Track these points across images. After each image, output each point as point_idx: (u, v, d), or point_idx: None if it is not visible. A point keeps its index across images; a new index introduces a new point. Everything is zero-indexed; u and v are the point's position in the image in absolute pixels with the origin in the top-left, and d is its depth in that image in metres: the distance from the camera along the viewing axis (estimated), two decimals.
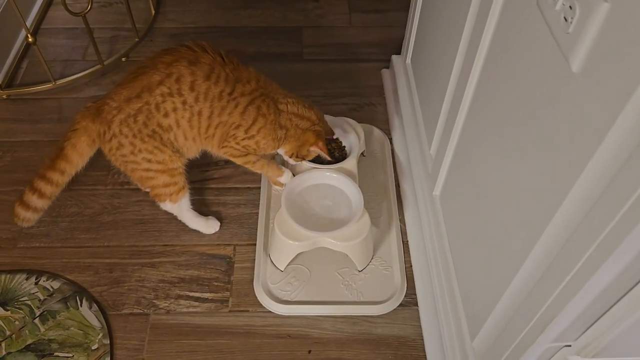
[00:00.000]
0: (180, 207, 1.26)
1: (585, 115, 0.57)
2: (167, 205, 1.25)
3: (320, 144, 1.20)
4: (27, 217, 1.20)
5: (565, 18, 0.59)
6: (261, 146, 1.20)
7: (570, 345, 0.70)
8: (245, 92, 1.13)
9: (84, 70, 1.69)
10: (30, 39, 1.52)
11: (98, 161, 1.47)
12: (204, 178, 1.46)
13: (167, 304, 1.22)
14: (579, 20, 0.57)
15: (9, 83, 1.68)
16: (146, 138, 1.12)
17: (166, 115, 1.10)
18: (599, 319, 0.64)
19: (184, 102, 1.10)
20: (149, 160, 1.15)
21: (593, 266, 0.56)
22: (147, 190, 1.24)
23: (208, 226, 1.33)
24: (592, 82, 0.56)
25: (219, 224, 1.34)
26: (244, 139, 1.17)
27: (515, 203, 0.77)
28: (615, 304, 0.60)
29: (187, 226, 1.35)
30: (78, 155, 1.15)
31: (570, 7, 0.58)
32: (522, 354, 0.75)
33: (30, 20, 1.85)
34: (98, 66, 1.69)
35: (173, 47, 1.12)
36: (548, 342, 0.70)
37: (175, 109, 1.10)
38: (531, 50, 0.71)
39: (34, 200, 1.17)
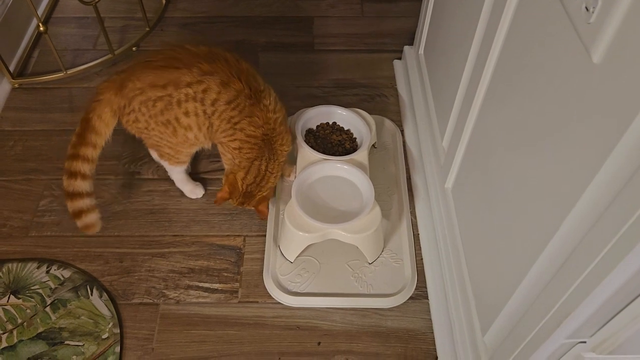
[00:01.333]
0: (172, 170, 1.33)
1: (606, 108, 0.56)
2: (163, 162, 1.30)
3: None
4: (84, 207, 1.16)
5: (586, 8, 0.58)
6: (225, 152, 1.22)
7: (585, 342, 0.69)
8: (246, 133, 1.13)
9: (94, 60, 1.69)
10: (41, 28, 1.52)
11: (109, 151, 1.48)
12: (215, 169, 1.45)
13: (176, 294, 1.22)
14: (601, 9, 0.55)
15: (21, 72, 1.68)
16: (160, 124, 1.15)
17: (187, 114, 1.12)
18: (616, 315, 0.62)
19: (204, 112, 1.12)
20: (161, 138, 1.19)
21: (612, 261, 0.55)
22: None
23: (192, 191, 1.38)
24: (614, 73, 0.55)
25: (203, 192, 1.39)
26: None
27: (531, 197, 0.76)
28: (633, 300, 0.59)
29: (197, 217, 1.35)
30: (104, 126, 1.15)
31: None
32: (536, 350, 0.74)
33: (41, 10, 1.85)
34: (109, 55, 1.69)
35: (216, 53, 1.12)
36: (563, 338, 0.69)
37: (197, 114, 1.12)
38: (549, 41, 0.69)
39: (79, 184, 1.15)
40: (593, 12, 0.56)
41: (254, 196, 1.21)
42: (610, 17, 0.54)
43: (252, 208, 1.24)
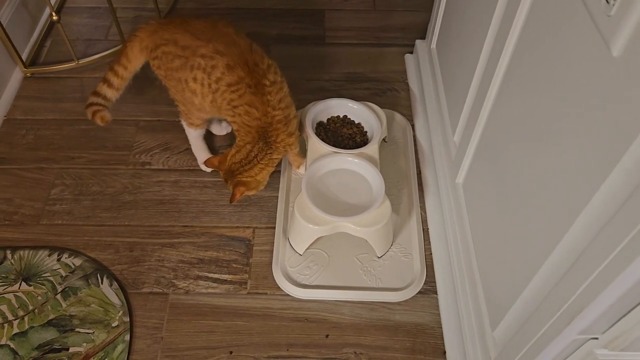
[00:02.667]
0: (190, 133, 1.39)
1: (625, 102, 0.55)
2: (182, 122, 1.37)
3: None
4: (98, 102, 1.31)
5: (607, 0, 0.57)
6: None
7: (597, 338, 0.68)
8: (244, 119, 1.17)
9: (106, 50, 1.69)
10: (54, 17, 1.53)
11: (120, 140, 1.49)
12: None
13: (186, 284, 1.22)
14: (622, 2, 0.54)
15: (33, 61, 1.69)
16: (174, 79, 1.21)
17: (195, 80, 1.17)
18: (629, 312, 0.62)
19: (209, 85, 1.16)
20: (176, 92, 1.26)
21: (628, 258, 0.55)
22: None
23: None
24: (634, 66, 0.54)
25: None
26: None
27: (544, 193, 0.76)
28: None
29: (206, 208, 1.35)
30: (133, 56, 1.27)
31: None
32: (546, 346, 0.74)
33: None
34: (120, 46, 1.68)
35: (234, 39, 1.16)
36: (575, 334, 0.68)
37: (202, 84, 1.17)
38: (567, 34, 0.69)
39: (104, 89, 1.31)
40: (614, 5, 0.55)
41: (234, 176, 1.21)
42: (631, 10, 0.53)
43: (231, 189, 1.23)
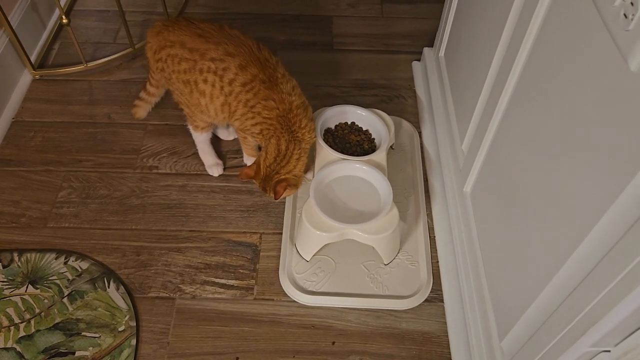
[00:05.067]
0: (196, 137, 1.39)
1: None
2: (189, 127, 1.38)
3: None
4: (141, 97, 1.43)
5: (625, 14, 0.57)
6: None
7: (609, 351, 0.68)
8: (262, 114, 1.17)
9: (115, 53, 1.70)
10: (64, 20, 1.53)
11: (128, 143, 1.49)
12: (233, 165, 1.46)
13: (193, 289, 1.22)
14: None
15: (42, 63, 1.69)
16: (180, 81, 1.22)
17: (205, 82, 1.18)
18: None
19: (222, 88, 1.17)
20: (180, 94, 1.27)
21: None
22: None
23: (211, 167, 1.43)
24: None
25: (221, 172, 1.43)
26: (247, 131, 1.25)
27: (557, 204, 0.76)
28: None
29: (214, 212, 1.35)
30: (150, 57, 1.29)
31: (632, 3, 0.56)
32: (557, 358, 0.73)
33: (63, 1, 1.86)
34: (129, 49, 1.70)
35: (243, 39, 1.18)
36: (586, 346, 0.68)
37: (214, 85, 1.17)
38: (582, 47, 0.69)
39: (147, 85, 1.41)
40: (632, 19, 0.56)
41: (272, 179, 1.19)
42: None
43: (272, 195, 1.20)
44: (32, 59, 1.66)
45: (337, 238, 1.19)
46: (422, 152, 1.49)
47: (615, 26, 0.59)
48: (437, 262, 1.27)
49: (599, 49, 0.64)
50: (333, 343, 1.16)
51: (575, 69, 0.71)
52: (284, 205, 1.37)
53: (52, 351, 1.12)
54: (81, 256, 1.26)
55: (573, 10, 0.72)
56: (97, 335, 1.14)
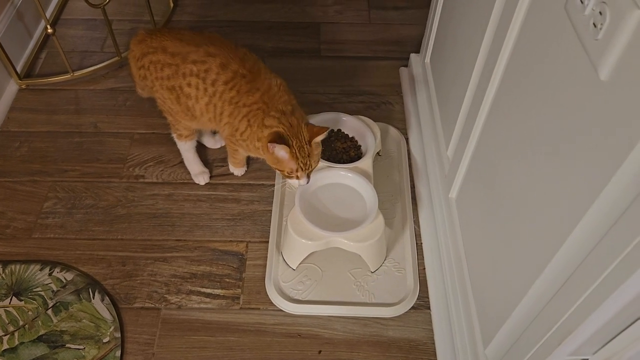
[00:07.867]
0: (180, 146, 1.39)
1: (613, 125, 0.56)
2: (173, 136, 1.37)
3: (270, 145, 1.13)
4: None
5: (594, 24, 0.57)
6: (250, 149, 1.24)
7: (587, 359, 0.68)
8: (247, 104, 1.17)
9: (101, 62, 1.69)
10: (49, 30, 1.53)
11: (114, 153, 1.48)
12: (219, 173, 1.45)
13: (178, 299, 1.22)
14: (609, 26, 0.55)
15: (28, 73, 1.69)
16: (165, 88, 1.22)
17: (189, 85, 1.18)
18: (619, 334, 0.62)
19: (205, 89, 1.17)
20: (164, 102, 1.27)
21: (618, 279, 0.55)
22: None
23: (197, 176, 1.43)
24: (621, 91, 0.54)
25: (207, 180, 1.43)
26: (238, 140, 1.23)
27: (536, 210, 0.76)
28: (637, 320, 0.59)
29: (200, 221, 1.35)
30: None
31: (601, 12, 0.56)
32: None
33: (49, 11, 1.85)
34: (116, 58, 1.69)
35: (222, 40, 1.19)
36: (565, 354, 0.68)
37: (197, 88, 1.17)
38: (557, 55, 0.69)
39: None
40: (601, 29, 0.56)
41: (312, 154, 1.15)
42: (618, 35, 0.53)
43: (313, 166, 1.17)
44: (18, 68, 1.65)
45: (323, 246, 1.19)
46: (409, 158, 1.49)
47: (585, 35, 0.60)
48: (424, 268, 1.27)
49: (572, 57, 0.64)
50: (319, 352, 1.15)
51: (551, 77, 0.71)
52: (271, 213, 1.36)
53: None
54: (66, 267, 1.26)
55: (548, 19, 0.72)
56: (81, 347, 1.13)
